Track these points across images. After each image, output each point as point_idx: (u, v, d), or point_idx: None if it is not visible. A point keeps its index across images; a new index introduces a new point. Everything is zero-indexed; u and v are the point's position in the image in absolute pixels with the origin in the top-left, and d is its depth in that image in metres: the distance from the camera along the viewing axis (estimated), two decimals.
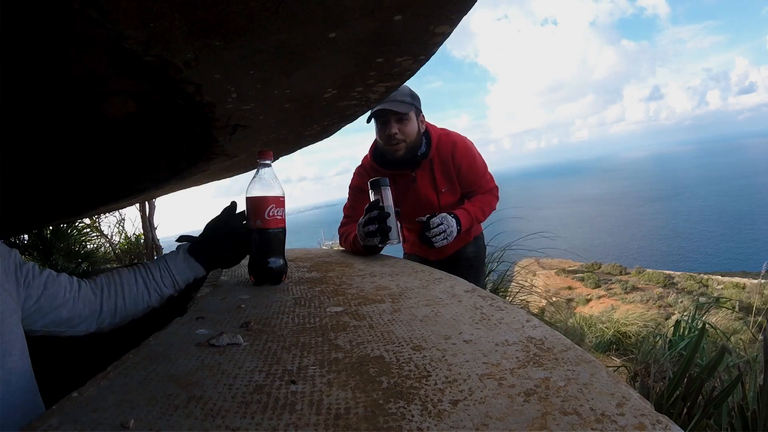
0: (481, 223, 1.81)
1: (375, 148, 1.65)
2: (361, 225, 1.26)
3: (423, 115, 1.60)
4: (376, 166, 1.62)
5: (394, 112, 1.47)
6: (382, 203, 1.25)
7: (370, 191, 1.29)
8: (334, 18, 0.64)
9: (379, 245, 1.28)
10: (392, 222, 1.26)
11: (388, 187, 1.28)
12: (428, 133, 1.61)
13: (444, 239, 1.42)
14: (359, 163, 1.74)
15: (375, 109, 1.46)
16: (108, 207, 2.50)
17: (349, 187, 1.68)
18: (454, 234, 1.44)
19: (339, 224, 1.62)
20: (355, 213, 1.57)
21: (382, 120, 1.52)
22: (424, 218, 1.44)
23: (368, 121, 1.53)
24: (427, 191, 1.61)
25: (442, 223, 1.42)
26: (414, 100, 1.52)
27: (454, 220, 1.46)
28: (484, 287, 2.78)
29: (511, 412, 0.41)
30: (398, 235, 1.28)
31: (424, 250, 1.74)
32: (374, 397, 0.45)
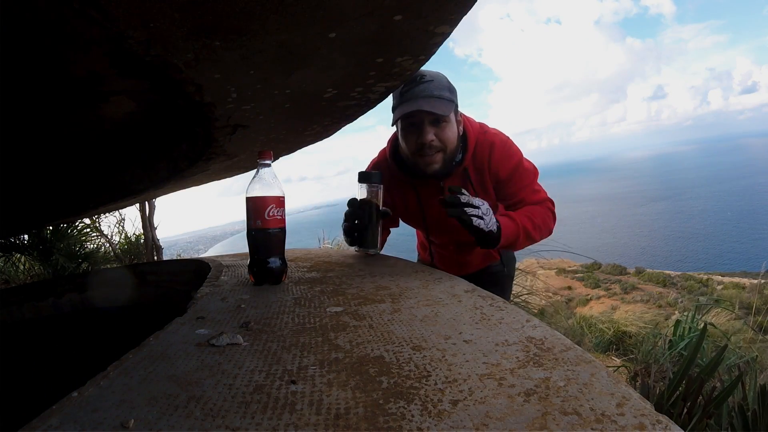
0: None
1: (395, 147, 1.28)
2: (342, 223, 1.15)
3: (461, 113, 1.21)
4: (396, 169, 1.27)
5: (430, 113, 1.09)
6: (362, 203, 1.11)
7: (358, 184, 1.14)
8: (334, 18, 0.64)
9: (356, 251, 1.15)
10: (371, 228, 1.11)
11: (379, 186, 1.12)
12: (465, 133, 1.22)
13: (479, 220, 1.04)
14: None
15: (407, 110, 1.08)
16: (108, 207, 2.50)
17: None
18: (492, 227, 1.06)
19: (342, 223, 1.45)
20: None
21: (412, 122, 1.13)
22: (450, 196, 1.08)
23: (393, 123, 1.19)
24: None
25: (480, 207, 1.05)
26: (453, 95, 1.13)
27: (494, 218, 1.09)
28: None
29: (511, 412, 0.41)
30: (377, 243, 1.14)
31: (441, 268, 1.35)
32: (374, 397, 0.45)
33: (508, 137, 1.26)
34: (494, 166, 1.21)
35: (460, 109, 1.21)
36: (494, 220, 1.08)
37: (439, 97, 1.10)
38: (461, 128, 1.21)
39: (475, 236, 1.07)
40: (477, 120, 1.30)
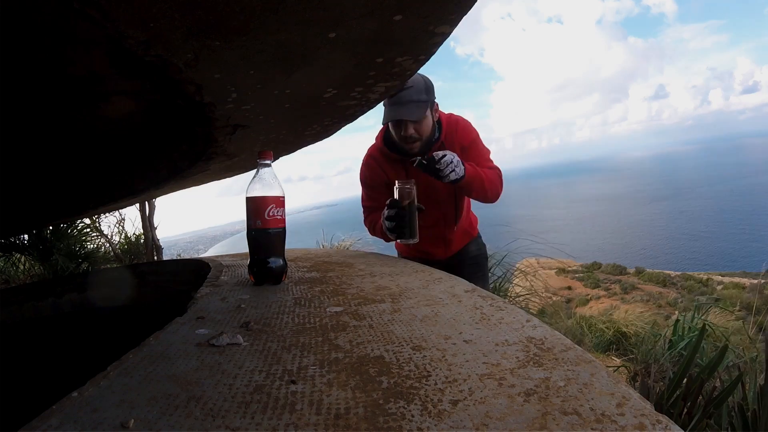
0: (477, 224, 1.83)
1: (386, 134, 1.61)
2: (384, 218, 1.39)
3: (437, 104, 1.55)
4: (387, 151, 1.59)
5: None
6: (403, 203, 1.35)
7: (395, 187, 1.38)
8: (334, 18, 0.64)
9: (398, 240, 1.41)
10: (410, 222, 1.35)
11: (413, 185, 1.36)
12: (440, 119, 1.59)
13: (453, 171, 1.37)
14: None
15: (392, 117, 1.44)
16: (108, 207, 2.50)
17: (360, 181, 1.68)
18: (462, 171, 1.39)
19: (363, 218, 1.71)
20: (374, 203, 1.63)
21: (397, 121, 1.49)
22: (424, 157, 1.40)
23: (384, 123, 1.52)
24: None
25: (446, 155, 1.38)
26: (429, 95, 1.47)
27: (457, 157, 1.40)
28: (489, 285, 2.74)
29: (511, 412, 0.41)
30: (416, 234, 1.37)
31: (429, 250, 1.71)
32: (374, 397, 0.45)
33: (467, 120, 1.66)
34: (459, 137, 1.58)
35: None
36: (462, 167, 1.41)
37: (417, 101, 1.43)
38: (437, 115, 1.56)
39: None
40: (474, 119, 1.61)
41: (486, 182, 1.50)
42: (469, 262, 1.76)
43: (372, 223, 1.61)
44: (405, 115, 1.42)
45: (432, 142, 1.55)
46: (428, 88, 1.48)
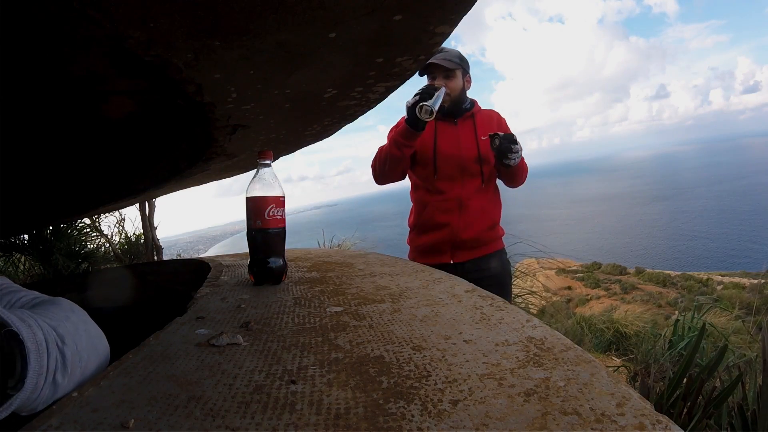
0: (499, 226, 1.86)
1: None
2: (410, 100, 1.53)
3: (470, 76, 1.78)
4: None
5: (442, 68, 1.65)
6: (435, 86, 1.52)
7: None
8: (334, 18, 0.64)
9: (419, 104, 1.45)
10: (437, 95, 1.49)
11: (444, 91, 1.53)
12: (473, 101, 1.80)
13: (515, 159, 1.59)
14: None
15: (424, 66, 1.58)
16: (108, 207, 2.50)
17: (391, 130, 1.74)
18: (518, 161, 1.61)
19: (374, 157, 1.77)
20: None
21: (433, 75, 1.70)
22: (501, 134, 1.60)
23: (420, 74, 1.70)
24: (468, 137, 1.73)
25: (518, 144, 1.60)
26: (462, 62, 1.69)
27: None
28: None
29: (511, 412, 0.41)
30: (437, 105, 1.47)
31: (441, 220, 1.70)
32: (374, 397, 0.45)
33: None
34: (504, 125, 1.78)
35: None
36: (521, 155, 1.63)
37: (450, 60, 1.65)
38: (468, 86, 1.75)
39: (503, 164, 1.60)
40: None
41: (524, 173, 1.74)
42: (494, 281, 1.68)
43: (379, 152, 1.68)
44: (438, 61, 1.62)
45: (462, 107, 1.74)
46: (462, 58, 1.70)
